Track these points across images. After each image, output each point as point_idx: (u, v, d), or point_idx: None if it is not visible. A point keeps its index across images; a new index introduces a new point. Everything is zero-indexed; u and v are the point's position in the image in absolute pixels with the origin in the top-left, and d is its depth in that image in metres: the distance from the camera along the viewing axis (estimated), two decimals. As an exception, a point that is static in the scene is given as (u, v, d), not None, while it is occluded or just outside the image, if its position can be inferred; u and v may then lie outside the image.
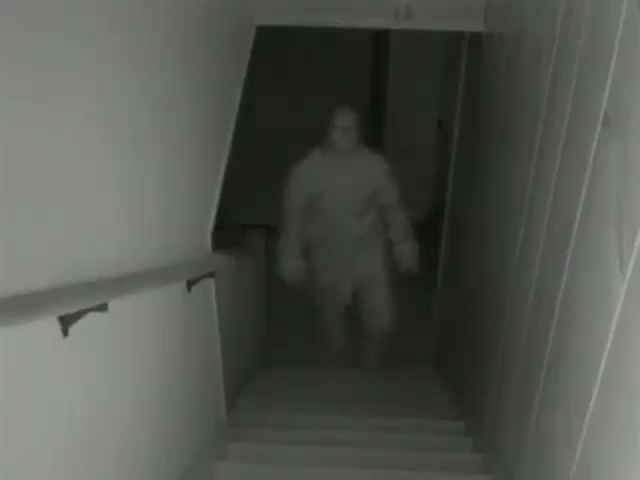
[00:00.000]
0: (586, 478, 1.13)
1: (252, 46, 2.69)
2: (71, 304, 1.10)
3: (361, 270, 3.24)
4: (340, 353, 3.64)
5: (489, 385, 2.17)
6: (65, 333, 1.09)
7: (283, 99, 4.88)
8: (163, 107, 1.64)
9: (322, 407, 2.88)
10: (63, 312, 1.08)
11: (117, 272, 1.32)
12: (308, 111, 5.01)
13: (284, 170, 2.96)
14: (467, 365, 2.75)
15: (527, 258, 1.74)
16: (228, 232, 2.64)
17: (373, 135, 4.85)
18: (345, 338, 3.61)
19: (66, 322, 1.09)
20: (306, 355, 3.66)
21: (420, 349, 3.89)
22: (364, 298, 3.35)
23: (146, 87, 1.50)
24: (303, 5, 2.86)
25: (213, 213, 2.23)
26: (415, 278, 3.21)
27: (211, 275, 2.10)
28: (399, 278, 3.21)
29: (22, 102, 0.97)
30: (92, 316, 1.16)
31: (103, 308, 1.20)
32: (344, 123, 2.83)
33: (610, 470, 1.02)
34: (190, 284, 1.87)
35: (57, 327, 1.08)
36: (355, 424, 2.64)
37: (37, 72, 1.01)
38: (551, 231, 1.53)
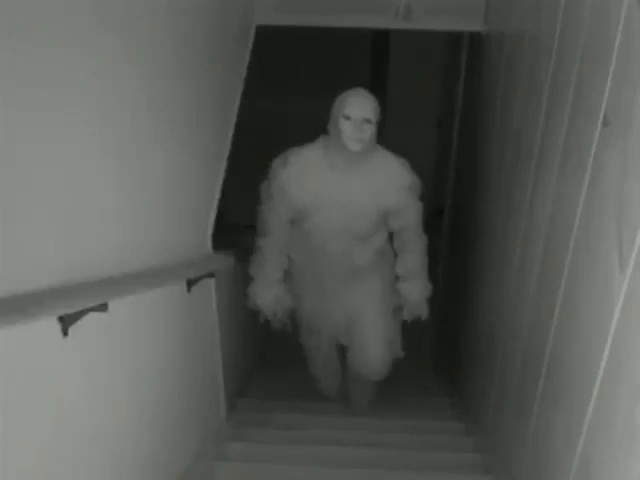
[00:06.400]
0: (586, 478, 1.13)
1: (252, 46, 2.69)
2: (71, 304, 1.10)
3: (354, 299, 2.45)
4: (338, 395, 2.96)
5: (489, 385, 2.17)
6: (65, 333, 1.09)
7: (283, 99, 4.88)
8: (163, 107, 1.64)
9: (322, 407, 2.88)
10: (63, 312, 1.08)
11: (117, 272, 1.32)
12: (308, 111, 5.03)
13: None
14: (467, 364, 2.75)
15: (527, 258, 1.74)
16: (228, 232, 2.63)
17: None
18: (341, 381, 2.90)
19: (66, 322, 1.09)
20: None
21: (419, 348, 3.88)
22: (351, 332, 2.51)
23: (146, 87, 1.50)
24: (303, 5, 2.87)
25: (213, 213, 2.23)
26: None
27: (211, 275, 2.10)
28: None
29: (22, 102, 0.97)
30: (92, 316, 1.16)
31: (103, 308, 1.20)
32: (361, 113, 1.96)
33: (610, 470, 1.02)
34: (190, 284, 1.87)
35: (57, 327, 1.08)
36: (355, 424, 2.64)
37: (38, 72, 1.01)
38: (551, 230, 1.53)
